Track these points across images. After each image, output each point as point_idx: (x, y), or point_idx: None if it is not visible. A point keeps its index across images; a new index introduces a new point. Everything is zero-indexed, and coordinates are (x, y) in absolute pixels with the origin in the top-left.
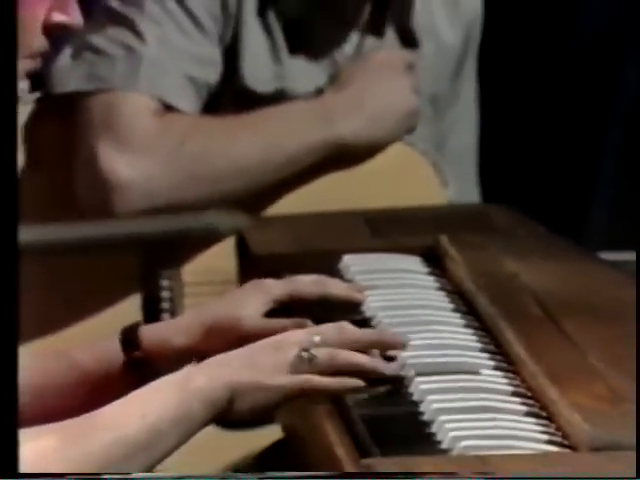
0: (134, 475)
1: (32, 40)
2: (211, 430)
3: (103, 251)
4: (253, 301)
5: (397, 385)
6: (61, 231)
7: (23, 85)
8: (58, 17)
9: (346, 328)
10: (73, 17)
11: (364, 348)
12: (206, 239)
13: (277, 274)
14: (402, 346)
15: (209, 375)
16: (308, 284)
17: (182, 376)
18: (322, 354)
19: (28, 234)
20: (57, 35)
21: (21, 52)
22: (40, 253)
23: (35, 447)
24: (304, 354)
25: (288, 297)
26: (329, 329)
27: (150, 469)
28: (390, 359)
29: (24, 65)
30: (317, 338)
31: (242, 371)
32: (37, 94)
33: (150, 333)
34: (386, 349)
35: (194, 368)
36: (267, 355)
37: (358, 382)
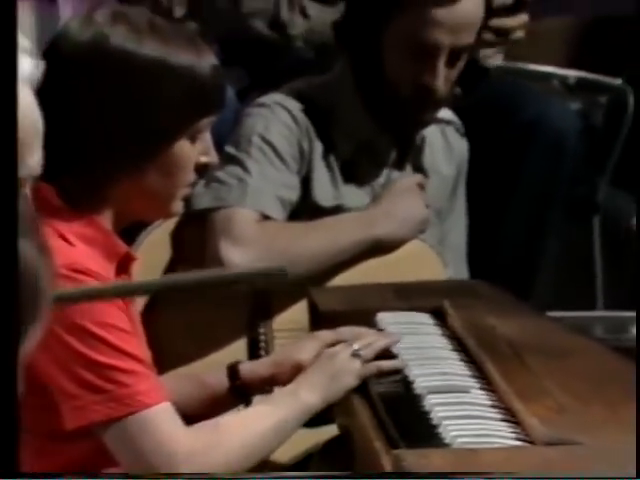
0: (134, 475)
1: (189, 176)
2: None
3: (211, 289)
4: (309, 347)
5: (415, 400)
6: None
7: (180, 205)
8: (204, 159)
9: (363, 333)
10: (214, 158)
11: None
12: (279, 282)
13: (334, 324)
14: (396, 343)
15: (309, 390)
16: (347, 333)
17: (291, 391)
18: (366, 352)
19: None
20: (202, 171)
21: (182, 184)
22: (174, 291)
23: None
24: (359, 353)
25: (333, 342)
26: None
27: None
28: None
29: (183, 193)
30: (356, 345)
31: (329, 383)
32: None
33: (246, 368)
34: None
35: (296, 385)
36: (330, 364)
37: (402, 363)
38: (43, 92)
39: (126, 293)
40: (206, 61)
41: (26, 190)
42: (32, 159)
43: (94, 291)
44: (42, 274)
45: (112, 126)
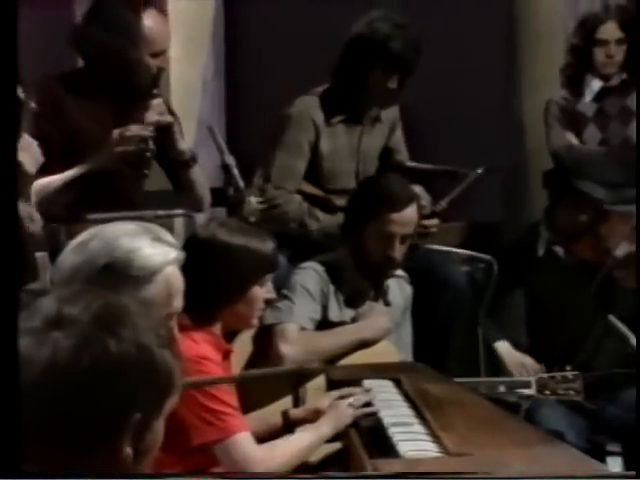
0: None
1: (260, 306)
2: None
3: (270, 377)
4: (325, 400)
5: (383, 430)
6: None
7: (256, 322)
8: (269, 296)
9: (354, 391)
10: (274, 296)
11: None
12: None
13: (339, 387)
14: (372, 396)
15: (325, 425)
16: (345, 391)
17: (315, 426)
18: (356, 403)
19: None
20: (268, 303)
21: (256, 310)
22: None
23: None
24: (353, 404)
25: (339, 398)
26: (352, 394)
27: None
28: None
29: (257, 315)
30: (351, 399)
31: (336, 421)
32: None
33: (292, 412)
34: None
35: (318, 423)
36: (337, 410)
37: (376, 409)
38: (185, 267)
39: (225, 382)
40: (269, 245)
41: (173, 320)
42: (177, 303)
43: (206, 381)
44: (175, 371)
45: (218, 282)
